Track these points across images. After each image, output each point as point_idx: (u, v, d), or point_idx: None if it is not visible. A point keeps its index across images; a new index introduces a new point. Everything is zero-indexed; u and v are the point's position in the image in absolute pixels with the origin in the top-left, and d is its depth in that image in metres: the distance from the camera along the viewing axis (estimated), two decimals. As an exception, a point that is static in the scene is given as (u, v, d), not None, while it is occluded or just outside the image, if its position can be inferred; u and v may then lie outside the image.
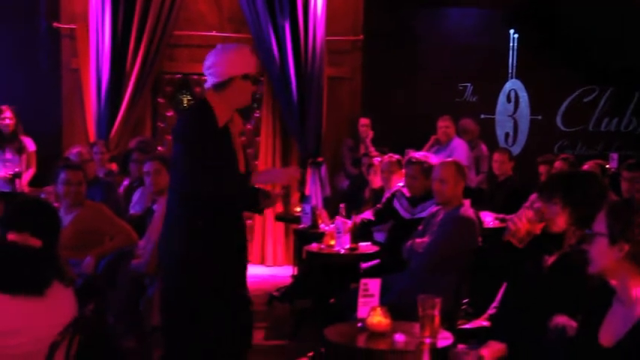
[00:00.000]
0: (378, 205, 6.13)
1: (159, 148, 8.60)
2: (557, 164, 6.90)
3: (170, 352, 3.88)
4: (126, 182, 6.76)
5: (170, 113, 9.12)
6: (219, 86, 3.77)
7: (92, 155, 6.78)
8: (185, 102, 9.18)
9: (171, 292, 3.84)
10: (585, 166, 6.50)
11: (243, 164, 3.92)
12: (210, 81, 3.80)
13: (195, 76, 9.03)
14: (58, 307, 2.88)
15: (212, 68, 3.76)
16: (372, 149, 8.25)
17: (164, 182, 5.18)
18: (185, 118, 3.88)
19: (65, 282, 2.96)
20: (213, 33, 8.70)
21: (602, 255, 2.51)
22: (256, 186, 3.89)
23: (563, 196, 3.28)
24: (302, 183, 8.59)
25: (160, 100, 9.10)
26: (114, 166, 7.50)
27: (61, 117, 8.61)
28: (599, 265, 2.54)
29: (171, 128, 4.03)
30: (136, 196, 6.20)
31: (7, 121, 7.50)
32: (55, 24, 8.52)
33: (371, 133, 8.54)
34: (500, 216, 6.46)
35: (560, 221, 3.28)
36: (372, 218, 6.05)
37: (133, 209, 6.08)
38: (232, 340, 3.91)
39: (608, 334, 2.51)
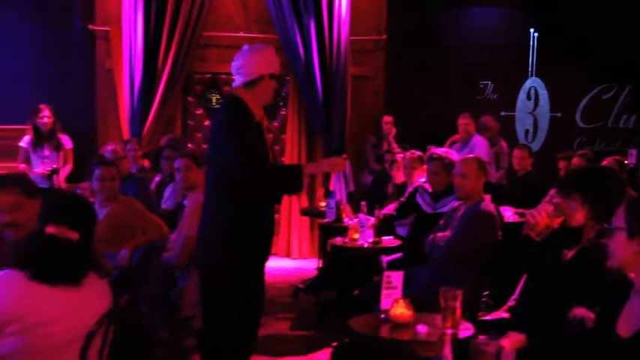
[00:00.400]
0: (402, 199, 6.13)
1: (189, 145, 8.64)
2: (575, 160, 6.84)
3: (209, 326, 3.96)
4: (158, 178, 6.81)
5: (200, 111, 9.17)
6: (249, 84, 3.86)
7: (125, 152, 6.83)
8: (214, 100, 9.22)
9: (210, 268, 3.91)
10: (604, 162, 6.43)
11: (272, 159, 4.02)
12: (239, 80, 3.88)
13: (224, 76, 9.06)
14: (94, 297, 2.91)
15: (242, 68, 3.85)
16: (394, 146, 8.24)
17: (194, 178, 5.22)
18: (227, 111, 3.91)
19: (100, 274, 3.00)
20: (241, 34, 8.73)
21: (621, 248, 2.50)
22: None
23: (582, 192, 3.25)
24: (327, 179, 8.60)
25: (190, 99, 9.15)
26: (146, 163, 7.54)
27: (95, 115, 8.69)
28: (618, 259, 2.52)
29: (211, 126, 4.10)
30: (167, 192, 6.23)
31: (46, 120, 7.57)
32: (90, 26, 8.59)
33: (394, 131, 8.53)
34: (520, 210, 6.41)
35: (579, 216, 3.26)
36: (394, 212, 6.05)
37: (165, 204, 6.11)
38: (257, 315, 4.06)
39: (626, 325, 2.48)
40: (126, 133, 8.42)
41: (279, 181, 3.94)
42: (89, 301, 2.87)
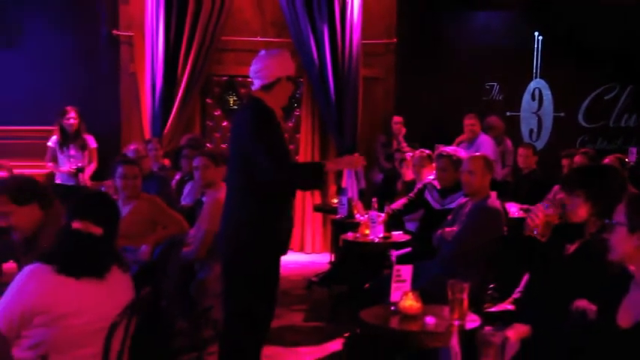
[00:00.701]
0: (410, 195, 6.12)
1: (207, 144, 8.66)
2: (577, 158, 6.80)
3: (229, 316, 3.97)
4: (177, 176, 6.82)
5: (218, 112, 9.19)
6: (266, 87, 3.88)
7: (147, 152, 6.85)
8: (231, 102, 9.23)
9: (231, 262, 3.94)
10: (606, 160, 6.39)
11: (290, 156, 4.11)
12: (257, 84, 3.90)
13: (241, 78, 9.09)
14: (117, 290, 2.92)
15: (259, 72, 3.87)
16: (404, 145, 8.22)
17: (211, 176, 5.22)
18: (251, 112, 3.89)
19: (123, 267, 3.01)
20: (257, 38, 8.74)
21: (622, 243, 2.49)
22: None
23: (586, 190, 3.23)
24: (339, 176, 8.60)
25: (209, 100, 9.17)
26: (167, 162, 7.57)
27: (119, 116, 8.73)
28: (619, 253, 2.51)
29: (231, 127, 4.11)
30: (186, 189, 6.23)
31: (72, 121, 7.61)
32: (115, 32, 8.64)
33: (403, 130, 8.51)
34: (525, 206, 6.38)
35: (582, 212, 3.24)
36: (402, 208, 6.05)
37: (184, 201, 6.12)
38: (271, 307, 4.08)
39: (627, 316, 2.48)
40: (147, 133, 8.45)
41: (304, 178, 3.98)
42: (112, 293, 2.88)
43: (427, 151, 6.54)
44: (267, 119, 3.83)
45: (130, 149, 6.54)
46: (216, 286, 4.98)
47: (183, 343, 4.93)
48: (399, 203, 6.13)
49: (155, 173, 6.53)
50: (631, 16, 9.30)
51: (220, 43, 8.64)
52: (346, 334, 5.17)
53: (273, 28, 8.85)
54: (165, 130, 8.42)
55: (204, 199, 5.32)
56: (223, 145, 9.05)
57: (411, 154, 6.98)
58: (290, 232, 4.19)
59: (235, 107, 9.20)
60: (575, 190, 3.27)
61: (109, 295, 2.86)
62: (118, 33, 8.63)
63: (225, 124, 9.20)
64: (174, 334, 4.78)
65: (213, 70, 8.92)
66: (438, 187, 5.74)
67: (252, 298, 3.85)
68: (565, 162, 7.15)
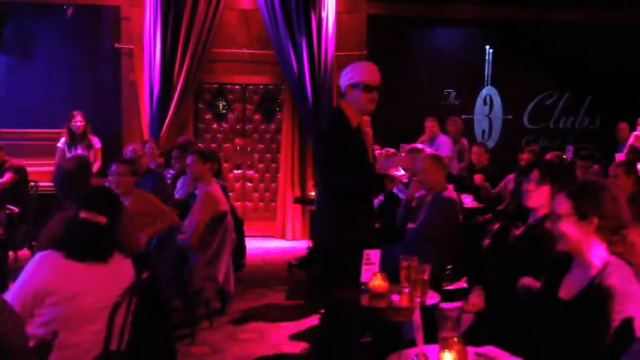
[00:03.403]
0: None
1: (199, 144, 8.63)
2: (525, 155, 6.84)
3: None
4: (170, 173, 6.78)
5: (209, 116, 9.13)
6: (343, 94, 3.88)
7: (144, 151, 6.80)
8: (220, 107, 9.17)
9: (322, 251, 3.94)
10: (547, 156, 6.44)
11: (370, 156, 3.99)
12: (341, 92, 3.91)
13: (229, 86, 9.05)
14: (119, 273, 2.90)
15: (340, 80, 3.88)
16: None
17: (200, 171, 5.18)
18: (321, 123, 3.94)
19: (125, 253, 2.99)
20: (243, 50, 8.70)
21: (573, 232, 2.42)
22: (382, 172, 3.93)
23: (556, 183, 3.24)
24: (315, 171, 8.59)
25: (201, 105, 9.11)
26: (162, 160, 7.53)
27: (121, 119, 8.65)
28: (571, 241, 2.44)
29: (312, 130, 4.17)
30: (179, 184, 6.21)
31: (79, 124, 7.56)
32: (117, 45, 8.55)
33: (370, 130, 8.44)
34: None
35: (537, 198, 3.27)
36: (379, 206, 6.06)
37: (177, 194, 6.09)
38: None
39: (568, 290, 2.49)
40: (146, 134, 8.38)
41: (352, 179, 3.81)
42: (115, 276, 2.86)
43: (392, 150, 6.54)
44: (331, 128, 3.75)
45: (129, 149, 6.49)
46: (205, 271, 4.97)
47: (178, 319, 4.91)
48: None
49: (152, 170, 6.49)
50: (569, 33, 9.42)
51: (211, 54, 8.59)
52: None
53: (257, 41, 8.81)
54: (162, 132, 8.35)
55: (196, 192, 5.29)
56: (213, 145, 9.01)
57: (378, 151, 6.97)
58: (362, 225, 3.95)
59: (224, 112, 9.16)
60: (544, 181, 3.30)
61: (112, 278, 2.84)
62: (120, 46, 8.54)
63: (215, 126, 9.15)
64: (170, 311, 4.75)
65: (204, 78, 8.86)
66: (404, 180, 5.75)
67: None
68: (524, 156, 7.10)
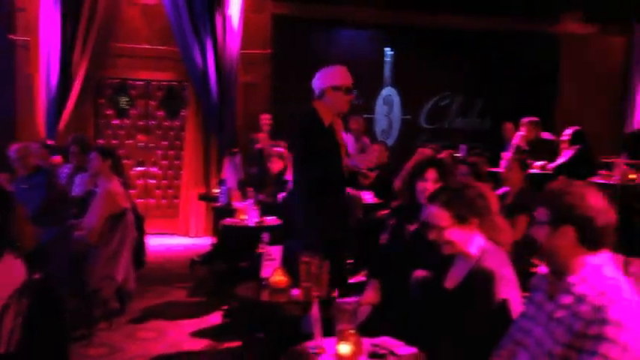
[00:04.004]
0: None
1: (99, 140, 8.30)
2: (425, 150, 7.01)
3: None
4: (67, 169, 6.46)
5: (109, 112, 8.81)
6: (317, 97, 4.07)
7: (30, 150, 6.37)
8: (122, 102, 8.87)
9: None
10: (441, 155, 6.67)
11: (343, 153, 4.09)
12: (315, 93, 4.10)
13: (131, 81, 8.77)
14: (9, 273, 2.74)
15: (313, 84, 4.12)
16: (268, 143, 8.04)
17: (99, 167, 5.06)
18: (296, 123, 4.04)
19: (16, 252, 2.83)
20: (146, 45, 8.46)
21: (456, 236, 2.57)
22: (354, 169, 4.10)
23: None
24: (219, 169, 8.50)
25: (101, 100, 8.77)
26: (59, 158, 7.12)
27: (14, 114, 8.19)
28: (454, 246, 2.58)
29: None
30: (76, 181, 5.96)
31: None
32: (11, 36, 8.08)
33: (266, 128, 8.39)
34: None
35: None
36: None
37: (75, 191, 5.85)
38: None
39: (451, 280, 2.66)
40: (42, 129, 7.97)
41: (326, 174, 3.93)
42: (5, 276, 2.70)
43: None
44: (307, 127, 3.92)
45: (12, 149, 6.08)
46: (104, 270, 4.80)
47: (76, 320, 4.70)
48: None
49: (42, 167, 6.15)
50: (464, 38, 9.79)
51: (113, 49, 8.28)
52: (225, 307, 5.13)
53: (161, 36, 8.58)
54: (60, 127, 7.98)
55: (97, 189, 5.12)
56: (114, 141, 8.71)
57: (277, 149, 6.98)
58: (341, 216, 4.06)
59: (126, 107, 8.86)
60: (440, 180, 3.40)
61: (1, 278, 2.68)
62: (15, 37, 8.06)
63: (116, 122, 8.85)
64: (65, 311, 4.54)
65: (106, 73, 8.54)
66: None
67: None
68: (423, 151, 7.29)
